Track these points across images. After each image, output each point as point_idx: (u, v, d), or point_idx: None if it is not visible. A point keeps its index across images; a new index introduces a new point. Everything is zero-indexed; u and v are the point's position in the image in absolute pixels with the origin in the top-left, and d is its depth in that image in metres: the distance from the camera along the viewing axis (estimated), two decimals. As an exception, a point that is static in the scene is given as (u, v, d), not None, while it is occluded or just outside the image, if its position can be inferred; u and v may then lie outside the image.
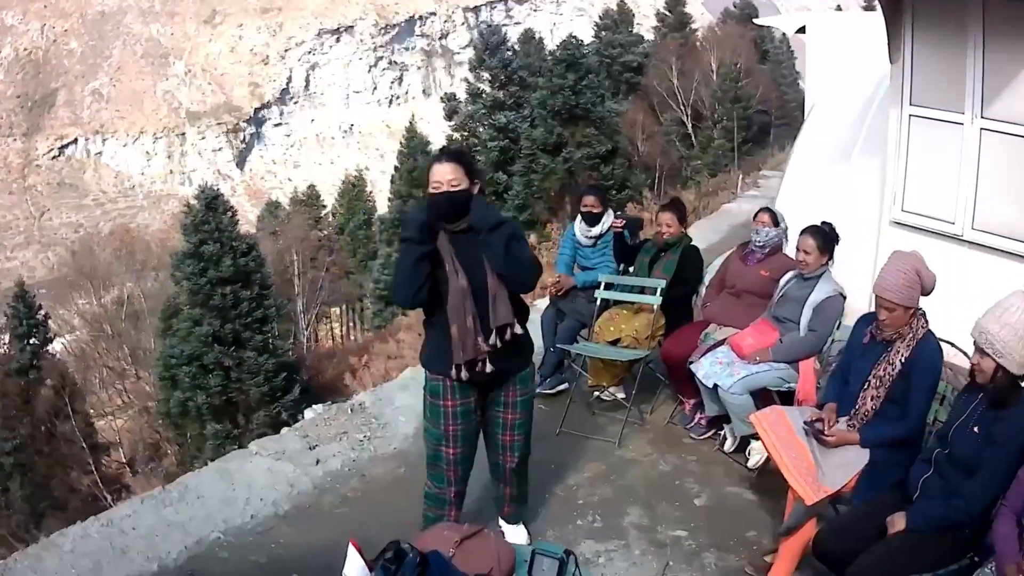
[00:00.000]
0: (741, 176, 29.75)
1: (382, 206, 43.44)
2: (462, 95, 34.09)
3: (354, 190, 46.82)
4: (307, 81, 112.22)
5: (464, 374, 4.13)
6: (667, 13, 48.97)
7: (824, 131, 8.32)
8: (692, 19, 49.43)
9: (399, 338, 20.82)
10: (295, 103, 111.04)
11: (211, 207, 22.21)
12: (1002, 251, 5.84)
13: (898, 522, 3.73)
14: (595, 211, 6.97)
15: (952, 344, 5.72)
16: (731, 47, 43.55)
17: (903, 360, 4.21)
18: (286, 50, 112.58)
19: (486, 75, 32.44)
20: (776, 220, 6.26)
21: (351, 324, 42.07)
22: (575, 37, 33.81)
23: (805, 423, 4.39)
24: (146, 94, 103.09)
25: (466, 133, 32.69)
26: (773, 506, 5.14)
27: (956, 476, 3.66)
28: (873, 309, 4.50)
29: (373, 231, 41.93)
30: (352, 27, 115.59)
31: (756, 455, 5.69)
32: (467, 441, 4.33)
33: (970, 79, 5.80)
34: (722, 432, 6.03)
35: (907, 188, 6.35)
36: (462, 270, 4.07)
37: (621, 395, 6.70)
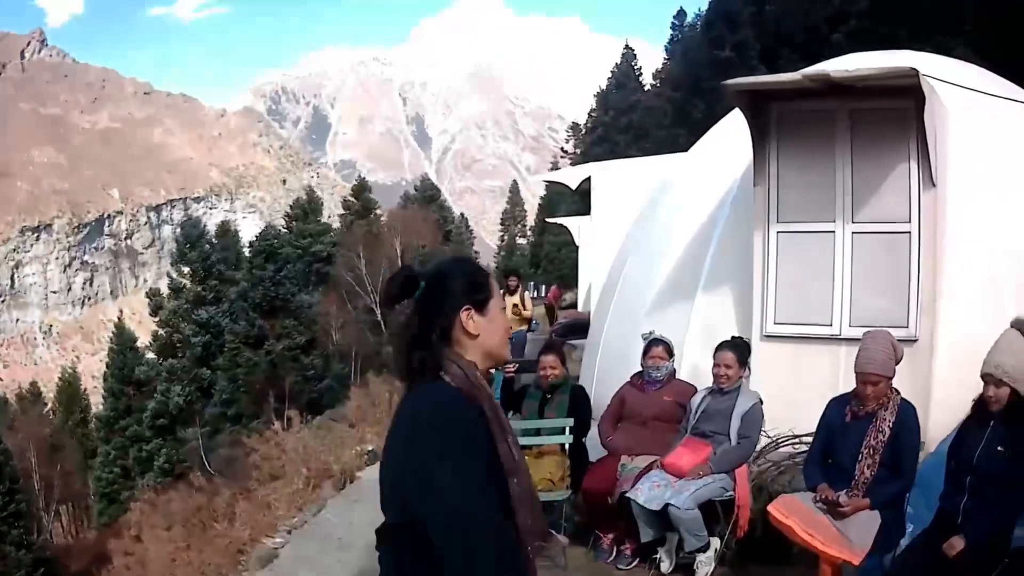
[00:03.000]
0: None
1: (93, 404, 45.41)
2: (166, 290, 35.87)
3: (70, 388, 48.00)
4: (12, 280, 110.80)
5: None
6: (353, 200, 51.43)
7: (645, 276, 9.10)
8: (378, 205, 51.86)
9: (133, 534, 21.34)
10: (2, 301, 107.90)
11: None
12: None
13: (956, 543, 4.32)
14: None
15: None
16: (415, 230, 46.03)
17: (890, 426, 4.85)
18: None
19: (187, 269, 33.81)
20: (670, 351, 6.72)
21: (80, 522, 41.25)
22: (273, 227, 35.78)
23: (817, 501, 4.87)
24: None
25: (170, 329, 33.85)
26: None
27: (993, 492, 4.33)
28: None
29: (90, 429, 42.92)
30: (50, 225, 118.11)
31: (705, 567, 5.89)
32: None
33: (839, 190, 6.71)
34: (656, 557, 6.18)
35: (778, 302, 7.05)
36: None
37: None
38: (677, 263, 8.49)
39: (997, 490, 4.34)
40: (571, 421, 6.73)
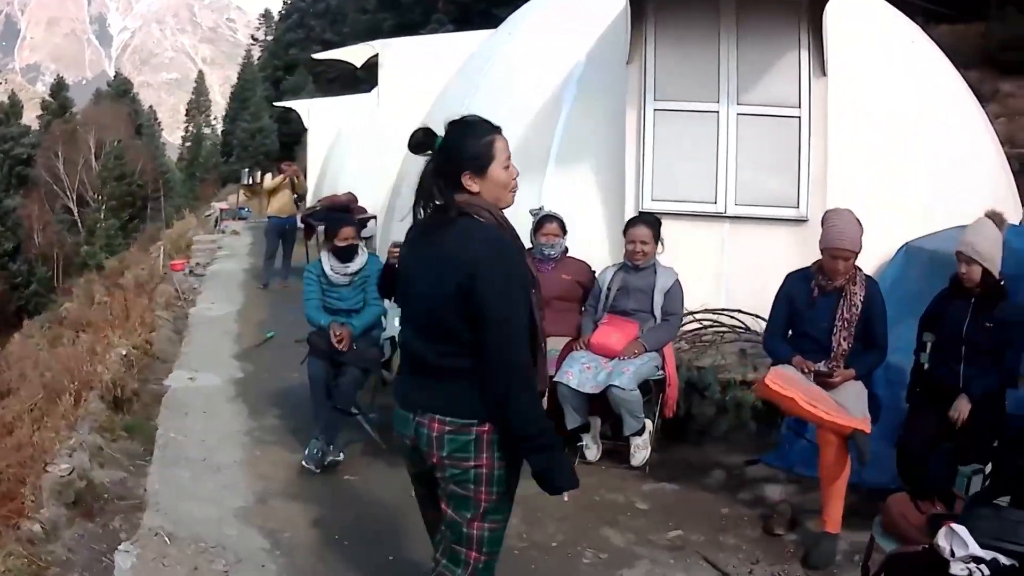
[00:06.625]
0: (163, 251, 28.58)
1: None
2: None
3: None
4: None
5: None
6: (51, 100, 49.05)
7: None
8: (74, 104, 48.95)
9: None
10: None
11: None
12: (767, 219, 6.55)
13: (963, 405, 4.50)
14: (355, 243, 6.37)
15: (740, 311, 6.48)
16: (109, 126, 43.73)
17: (861, 300, 4.73)
18: None
19: None
20: (564, 227, 6.22)
21: None
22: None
23: (810, 371, 4.66)
24: None
25: None
26: (697, 485, 5.45)
27: (986, 359, 4.56)
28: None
29: None
30: None
31: (642, 451, 5.58)
32: None
33: (724, 73, 6.49)
34: (580, 444, 5.79)
35: (655, 178, 6.77)
36: None
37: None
38: (517, 144, 7.91)
39: (990, 357, 4.55)
40: None
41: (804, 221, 6.52)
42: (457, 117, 3.02)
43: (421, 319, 3.01)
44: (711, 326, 6.50)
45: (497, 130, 3.03)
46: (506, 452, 2.91)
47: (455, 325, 2.88)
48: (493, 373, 2.83)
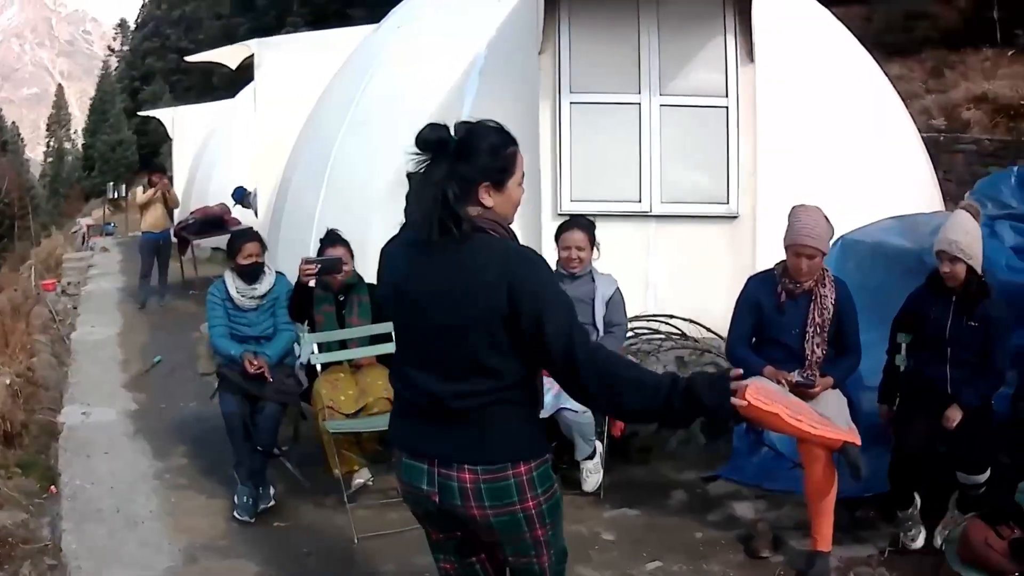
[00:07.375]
0: (34, 270, 26.83)
1: None
2: None
3: None
4: None
5: None
6: None
7: (370, 158, 7.74)
8: None
9: None
10: None
11: None
12: (695, 216, 6.07)
13: (954, 414, 4.11)
14: (260, 261, 5.56)
15: (673, 316, 5.99)
16: None
17: (832, 303, 4.30)
18: None
19: None
20: None
21: None
22: None
23: (790, 381, 4.19)
24: None
25: None
26: (660, 508, 4.89)
27: (972, 359, 4.18)
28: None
29: None
30: None
31: (594, 476, 5.01)
32: None
33: (646, 62, 5.99)
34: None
35: (574, 177, 6.18)
36: None
37: (369, 476, 5.40)
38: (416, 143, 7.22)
39: (975, 358, 4.20)
40: (389, 326, 5.34)
41: (734, 217, 6.09)
42: (472, 120, 2.49)
43: (436, 353, 2.49)
44: (645, 334, 5.95)
45: (516, 141, 2.55)
46: (550, 483, 2.55)
47: (485, 358, 2.43)
48: (588, 387, 2.45)
